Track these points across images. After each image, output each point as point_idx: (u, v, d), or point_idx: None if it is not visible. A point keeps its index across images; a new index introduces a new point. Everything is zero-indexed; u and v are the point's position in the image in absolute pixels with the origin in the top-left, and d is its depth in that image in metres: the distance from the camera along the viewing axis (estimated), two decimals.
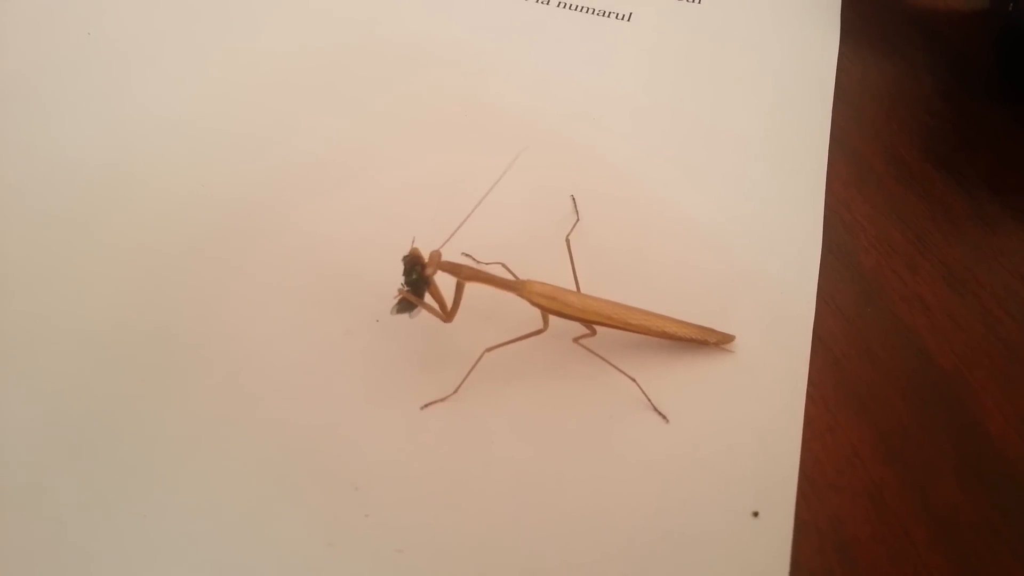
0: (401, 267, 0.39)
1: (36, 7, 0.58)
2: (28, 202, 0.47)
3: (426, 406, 0.39)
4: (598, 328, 0.40)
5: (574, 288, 0.41)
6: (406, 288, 0.39)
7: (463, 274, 0.39)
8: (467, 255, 0.43)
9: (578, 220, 0.46)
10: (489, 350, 0.39)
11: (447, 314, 0.39)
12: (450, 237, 0.39)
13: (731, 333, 0.41)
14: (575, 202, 0.47)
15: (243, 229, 0.46)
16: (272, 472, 0.37)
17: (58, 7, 0.58)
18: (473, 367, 0.39)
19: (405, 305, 0.39)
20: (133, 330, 0.42)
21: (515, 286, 0.40)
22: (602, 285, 0.41)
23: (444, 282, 0.40)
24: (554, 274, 0.41)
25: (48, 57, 0.55)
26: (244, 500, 0.36)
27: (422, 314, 0.39)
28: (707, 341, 0.41)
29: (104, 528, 0.35)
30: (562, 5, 0.59)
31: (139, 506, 0.36)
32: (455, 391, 0.39)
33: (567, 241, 0.43)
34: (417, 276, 0.38)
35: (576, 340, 0.40)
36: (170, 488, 0.37)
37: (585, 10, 0.59)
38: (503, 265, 0.42)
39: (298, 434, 0.38)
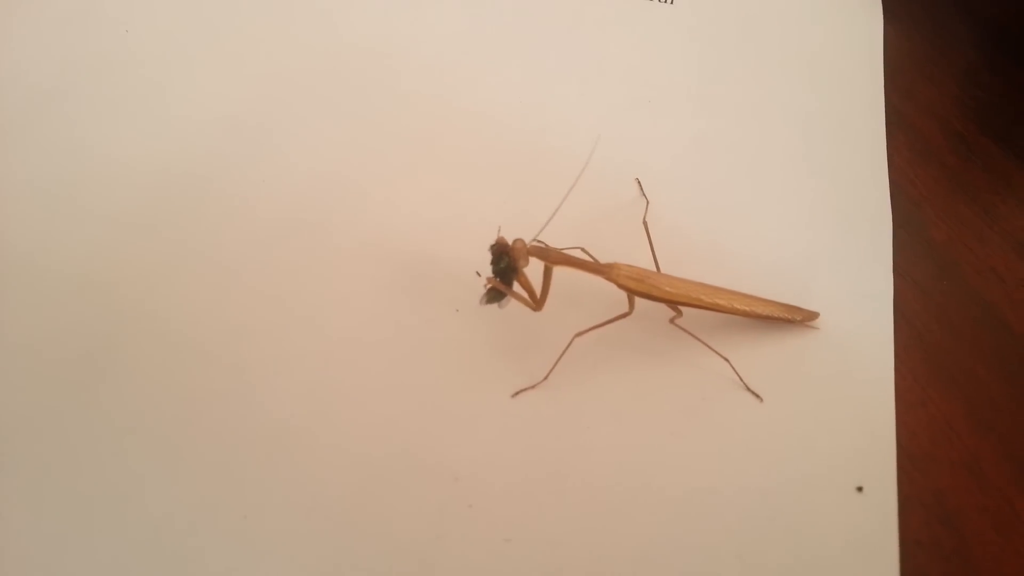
0: (478, 258, 0.39)
1: (71, 5, 0.57)
2: (74, 201, 0.47)
3: (517, 394, 0.39)
4: (684, 309, 0.41)
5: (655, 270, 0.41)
6: (495, 278, 0.39)
7: (552, 258, 0.39)
8: (539, 242, 0.43)
9: (648, 202, 0.46)
10: (579, 335, 0.39)
11: (537, 302, 0.40)
12: (542, 228, 0.39)
13: (815, 310, 0.42)
14: (641, 185, 0.47)
15: (314, 223, 0.46)
16: (370, 468, 0.37)
17: (94, 5, 0.57)
18: (563, 353, 0.39)
19: (495, 295, 0.39)
20: (210, 329, 0.41)
21: (603, 269, 0.40)
22: (678, 267, 0.42)
23: (529, 270, 0.40)
24: (630, 257, 0.41)
25: (85, 55, 0.54)
26: (344, 498, 0.36)
27: (510, 303, 0.40)
28: (793, 319, 0.41)
29: (204, 530, 0.35)
30: None
31: (238, 506, 0.36)
32: (545, 378, 0.40)
33: (644, 223, 0.43)
34: (506, 265, 0.38)
35: (672, 320, 0.40)
36: (267, 488, 0.36)
37: None
38: (583, 250, 0.42)
39: (391, 428, 0.38)
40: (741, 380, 0.40)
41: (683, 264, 0.42)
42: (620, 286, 0.40)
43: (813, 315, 0.42)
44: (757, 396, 0.39)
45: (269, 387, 0.39)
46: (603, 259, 0.41)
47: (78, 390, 0.39)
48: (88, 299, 0.43)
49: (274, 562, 0.35)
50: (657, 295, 0.40)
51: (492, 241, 0.39)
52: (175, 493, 0.36)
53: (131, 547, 0.35)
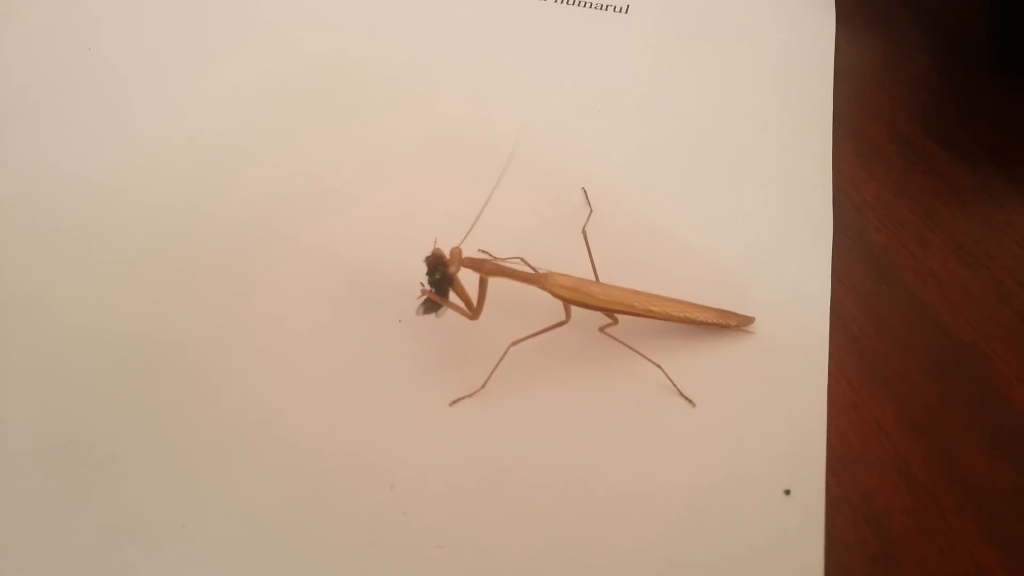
0: (423, 267, 0.40)
1: (37, 23, 0.59)
2: (39, 218, 0.48)
3: (455, 402, 0.41)
4: (620, 316, 0.42)
5: (593, 279, 0.43)
6: (430, 288, 0.40)
7: (486, 269, 0.40)
8: (484, 252, 0.45)
9: (591, 212, 0.47)
10: (515, 343, 0.40)
11: (473, 311, 0.41)
12: (468, 233, 0.40)
13: (751, 315, 0.43)
14: (587, 194, 0.48)
15: (258, 238, 0.47)
16: (306, 475, 0.39)
17: (59, 23, 0.59)
18: (499, 361, 0.40)
19: (431, 305, 0.40)
20: (156, 341, 0.43)
21: (537, 279, 0.41)
22: (619, 275, 0.43)
23: (466, 280, 0.41)
24: (571, 266, 0.43)
25: (49, 73, 0.56)
26: (281, 505, 0.38)
27: (447, 313, 0.41)
28: (728, 324, 0.42)
29: (143, 539, 0.36)
30: (559, 0, 0.61)
31: (177, 516, 0.37)
32: (483, 386, 0.41)
33: (584, 232, 0.44)
34: (441, 275, 0.40)
35: (602, 329, 0.41)
36: (205, 497, 0.38)
37: (583, 4, 0.60)
38: (522, 259, 0.44)
39: (329, 437, 0.40)
40: (674, 386, 0.41)
41: (624, 272, 0.43)
42: (555, 295, 0.41)
43: (748, 320, 0.43)
44: (690, 401, 0.41)
45: (207, 396, 0.41)
46: (544, 268, 0.43)
47: (17, 398, 0.41)
48: (41, 314, 0.44)
49: (211, 571, 0.36)
50: (591, 303, 0.41)
51: (428, 252, 0.40)
52: (113, 503, 0.38)
53: (69, 556, 0.36)
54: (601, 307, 0.41)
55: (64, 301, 0.45)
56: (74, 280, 0.45)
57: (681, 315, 0.42)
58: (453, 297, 0.41)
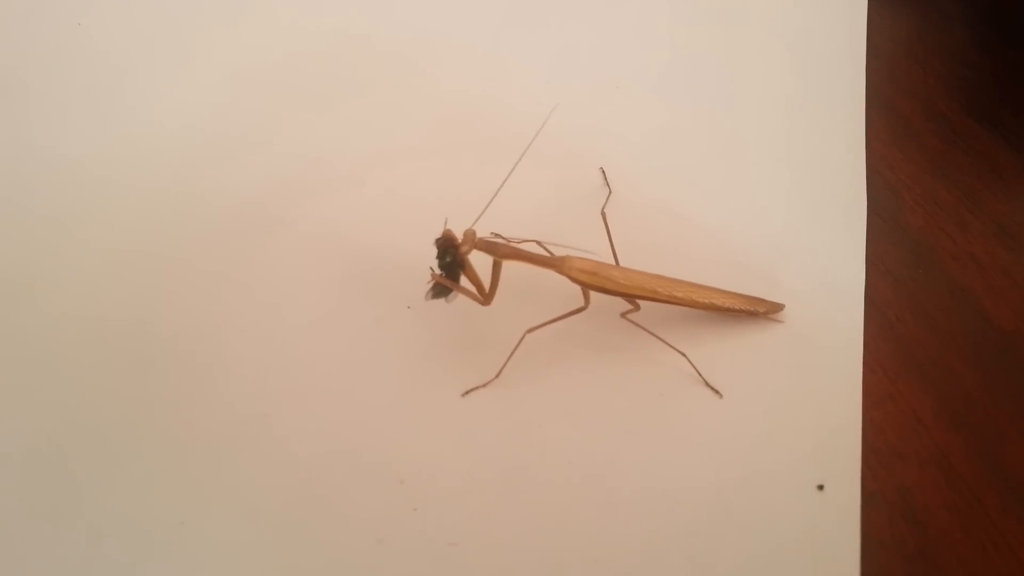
0: (433, 250, 0.39)
1: None
2: (24, 202, 0.47)
3: (467, 393, 0.39)
4: (642, 303, 0.40)
5: (613, 263, 0.41)
6: (440, 272, 0.38)
7: (500, 252, 0.39)
8: (497, 235, 0.43)
9: (610, 192, 0.45)
10: (531, 331, 0.39)
11: (485, 296, 0.39)
12: (481, 214, 0.39)
13: (780, 302, 0.41)
14: (605, 174, 0.47)
15: (256, 223, 0.46)
16: (311, 471, 0.37)
17: None
18: (515, 350, 0.39)
19: (440, 290, 0.39)
20: (149, 332, 0.41)
21: (554, 263, 0.39)
22: (641, 258, 0.41)
23: (479, 263, 0.39)
24: (590, 249, 0.41)
25: (36, 48, 0.54)
26: (284, 502, 0.36)
27: (458, 298, 0.39)
28: (756, 312, 0.41)
29: (142, 536, 0.35)
30: None
31: (176, 512, 0.36)
32: (497, 375, 0.39)
33: (603, 214, 0.42)
34: (452, 258, 0.38)
35: (623, 315, 0.39)
36: (207, 492, 0.36)
37: None
38: (538, 243, 0.42)
39: (335, 430, 0.38)
40: (700, 376, 0.39)
41: (645, 256, 0.42)
42: (573, 280, 0.39)
43: (778, 307, 0.41)
44: (716, 392, 0.39)
45: (208, 388, 0.39)
46: (562, 252, 0.41)
47: (11, 391, 0.39)
48: (32, 298, 0.43)
49: (212, 569, 0.34)
50: (611, 288, 0.39)
51: (438, 234, 0.39)
52: (111, 498, 0.36)
53: (66, 553, 0.35)
54: (622, 292, 0.40)
55: (51, 290, 0.43)
56: (61, 268, 0.44)
57: (707, 301, 0.40)
58: (464, 281, 0.39)
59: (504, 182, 0.38)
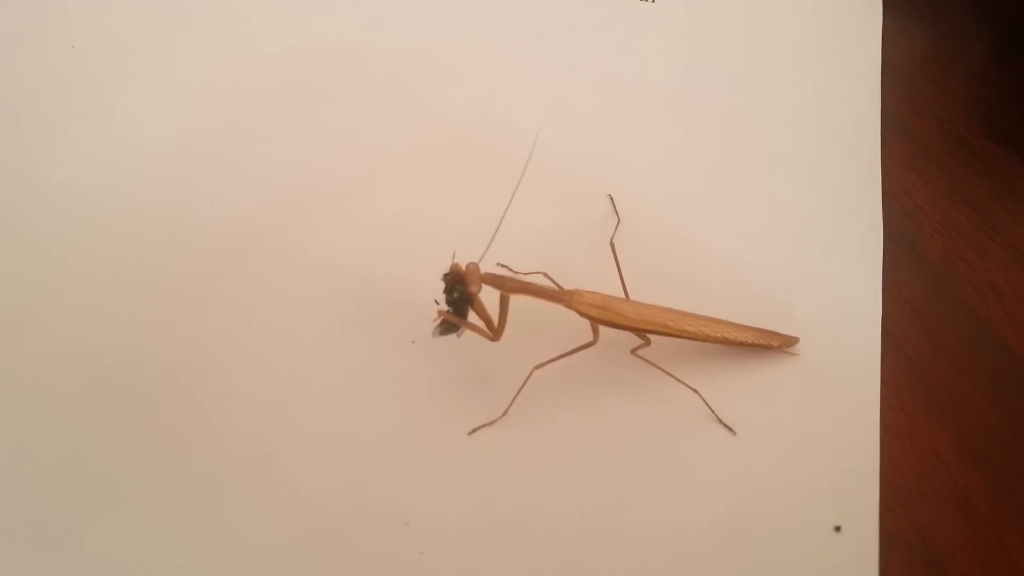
0: (437, 283, 0.38)
1: (15, 15, 0.58)
2: (15, 229, 0.46)
3: (474, 431, 0.39)
4: (653, 337, 0.40)
5: (623, 296, 0.41)
6: (447, 308, 0.38)
7: (507, 287, 0.38)
8: (503, 266, 0.43)
9: (619, 221, 0.45)
10: (539, 367, 0.38)
11: (494, 332, 0.39)
12: (488, 248, 0.38)
13: (794, 335, 0.41)
14: (614, 202, 0.46)
15: (255, 252, 0.45)
16: (313, 512, 0.37)
17: (39, 16, 0.58)
18: (522, 387, 0.38)
19: (448, 327, 0.39)
20: (145, 366, 0.41)
21: (563, 297, 0.39)
22: (651, 291, 0.41)
23: (487, 296, 0.39)
24: (599, 281, 0.40)
25: (28, 71, 0.54)
26: (286, 544, 0.36)
27: (465, 334, 0.39)
28: (770, 345, 0.40)
29: None
30: None
31: (177, 556, 0.35)
32: (504, 413, 0.39)
33: (611, 245, 0.42)
34: (460, 294, 0.38)
35: (633, 351, 0.39)
36: (207, 534, 0.36)
37: None
38: (545, 275, 0.42)
39: (338, 470, 0.38)
40: (713, 412, 0.39)
41: (655, 288, 0.41)
42: (582, 314, 0.39)
43: (793, 340, 0.41)
44: (730, 429, 0.38)
45: (209, 427, 0.39)
46: (569, 284, 0.41)
47: (11, 424, 0.39)
48: (20, 332, 0.42)
49: None
50: (621, 323, 0.39)
51: (446, 269, 0.38)
52: (109, 543, 0.36)
53: None
54: (632, 327, 0.39)
55: (40, 322, 0.42)
56: (51, 298, 0.43)
57: (719, 335, 0.40)
58: (472, 317, 0.39)
59: (507, 209, 0.38)
